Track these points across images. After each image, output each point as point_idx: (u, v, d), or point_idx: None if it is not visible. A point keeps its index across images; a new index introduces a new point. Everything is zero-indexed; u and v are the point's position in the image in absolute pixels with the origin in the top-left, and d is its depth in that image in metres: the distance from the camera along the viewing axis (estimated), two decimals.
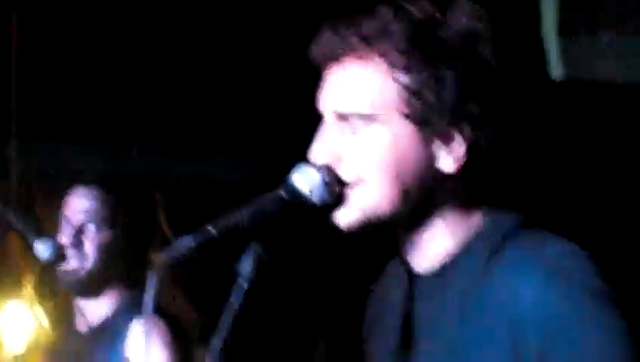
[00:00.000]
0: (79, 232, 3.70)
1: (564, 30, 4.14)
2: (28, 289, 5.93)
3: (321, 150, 2.05)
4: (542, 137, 4.47)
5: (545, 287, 1.90)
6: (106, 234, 3.70)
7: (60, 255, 3.72)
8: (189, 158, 5.54)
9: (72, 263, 3.73)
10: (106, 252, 3.72)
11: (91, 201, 3.72)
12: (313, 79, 2.14)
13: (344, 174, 2.04)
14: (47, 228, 5.02)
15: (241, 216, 1.88)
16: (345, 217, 2.05)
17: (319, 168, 2.02)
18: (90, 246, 3.71)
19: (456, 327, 1.97)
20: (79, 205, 3.74)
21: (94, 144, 5.34)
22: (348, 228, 2.04)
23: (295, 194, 1.95)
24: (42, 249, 3.65)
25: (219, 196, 5.39)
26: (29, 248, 3.73)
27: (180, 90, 5.06)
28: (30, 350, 6.07)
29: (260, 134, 5.01)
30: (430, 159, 2.02)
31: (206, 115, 5.23)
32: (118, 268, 3.76)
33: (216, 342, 1.81)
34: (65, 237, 3.74)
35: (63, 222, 3.77)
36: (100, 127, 5.25)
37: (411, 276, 2.10)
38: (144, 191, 3.96)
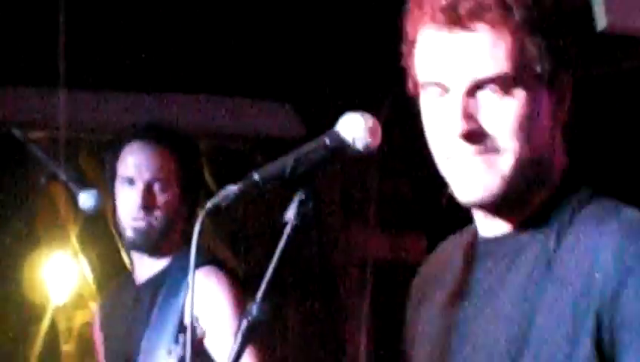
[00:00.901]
0: (147, 192, 3.66)
1: None
2: (72, 239, 6.00)
3: (465, 121, 2.02)
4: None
5: (620, 241, 1.90)
6: (171, 193, 3.68)
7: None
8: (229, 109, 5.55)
9: (140, 223, 3.69)
10: (171, 211, 3.70)
11: (154, 159, 3.67)
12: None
13: (490, 145, 2.02)
14: (90, 177, 5.07)
15: (285, 163, 1.88)
16: (477, 188, 2.02)
17: (364, 116, 2.01)
18: (158, 206, 3.68)
19: (529, 285, 1.97)
20: (143, 163, 3.68)
21: (137, 93, 5.35)
22: (472, 203, 2.02)
23: (339, 141, 1.94)
24: (86, 199, 3.65)
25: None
26: (73, 198, 3.73)
27: (229, 40, 5.03)
28: (75, 300, 6.15)
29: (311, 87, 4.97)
30: (553, 115, 2.03)
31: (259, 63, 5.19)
32: (179, 225, 3.75)
33: (262, 287, 1.82)
34: (133, 197, 3.68)
35: (124, 179, 3.70)
36: (142, 77, 5.25)
37: (477, 241, 2.09)
38: (197, 146, 3.93)
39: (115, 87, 5.34)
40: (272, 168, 1.90)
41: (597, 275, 1.92)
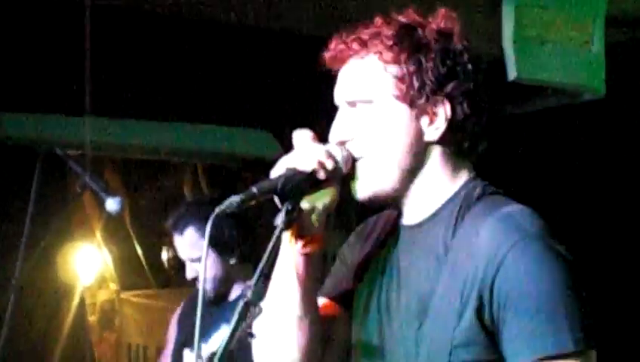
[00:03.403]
0: (191, 268, 3.67)
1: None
2: (97, 235, 5.98)
3: (337, 131, 2.03)
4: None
5: (495, 229, 1.88)
6: (210, 262, 3.66)
7: None
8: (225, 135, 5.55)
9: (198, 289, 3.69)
10: (216, 273, 3.68)
11: (190, 244, 3.65)
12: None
13: (354, 150, 2.02)
14: (112, 187, 5.03)
15: (277, 180, 1.86)
16: (358, 190, 2.01)
17: (339, 145, 1.99)
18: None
19: (431, 266, 1.96)
20: (182, 249, 3.66)
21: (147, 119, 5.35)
22: (362, 200, 2.01)
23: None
24: (112, 203, 3.62)
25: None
26: (101, 203, 3.69)
27: (225, 72, 5.00)
28: (98, 281, 6.14)
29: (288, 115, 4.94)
30: (419, 132, 1.96)
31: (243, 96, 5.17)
32: (230, 279, 3.74)
33: (256, 276, 1.79)
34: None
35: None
36: (153, 107, 5.23)
37: (399, 227, 2.08)
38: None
39: (131, 115, 5.31)
40: (266, 183, 1.87)
41: (477, 263, 1.88)
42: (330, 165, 1.93)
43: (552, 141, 5.31)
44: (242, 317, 1.81)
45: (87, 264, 5.88)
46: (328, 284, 2.17)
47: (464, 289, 1.89)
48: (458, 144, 2.03)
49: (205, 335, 3.43)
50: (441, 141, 2.01)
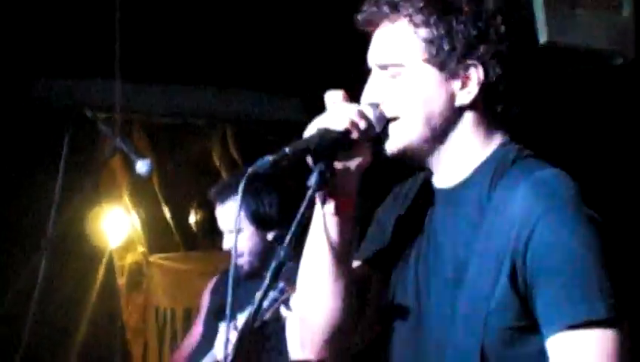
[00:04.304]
0: (229, 240, 3.67)
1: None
2: (125, 199, 6.00)
3: (369, 93, 2.04)
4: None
5: (529, 194, 1.88)
6: (247, 235, 3.63)
7: None
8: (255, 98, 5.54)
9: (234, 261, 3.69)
10: (252, 247, 3.67)
11: (229, 215, 3.64)
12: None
13: (387, 112, 2.02)
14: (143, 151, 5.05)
15: (310, 140, 1.87)
16: (389, 146, 2.01)
17: (372, 106, 2.00)
18: (241, 248, 3.66)
19: (466, 231, 1.96)
20: (222, 220, 3.67)
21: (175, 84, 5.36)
22: (392, 157, 2.02)
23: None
24: (141, 166, 3.64)
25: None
26: (131, 166, 3.71)
27: (250, 34, 4.99)
28: (126, 244, 6.16)
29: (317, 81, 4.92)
30: (450, 95, 1.98)
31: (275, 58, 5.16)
32: (263, 255, 3.73)
33: (288, 237, 1.80)
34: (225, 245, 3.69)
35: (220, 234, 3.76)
36: (184, 71, 5.24)
37: (434, 191, 2.09)
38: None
39: (161, 80, 5.31)
40: (299, 143, 1.88)
41: (511, 228, 1.89)
42: (362, 124, 1.94)
43: (582, 105, 5.27)
44: (275, 277, 1.82)
45: (115, 227, 5.91)
46: (365, 246, 2.19)
47: (498, 254, 1.90)
48: (491, 108, 2.04)
49: (239, 308, 3.47)
50: (473, 105, 2.02)
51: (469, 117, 2.03)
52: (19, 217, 5.04)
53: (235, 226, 3.62)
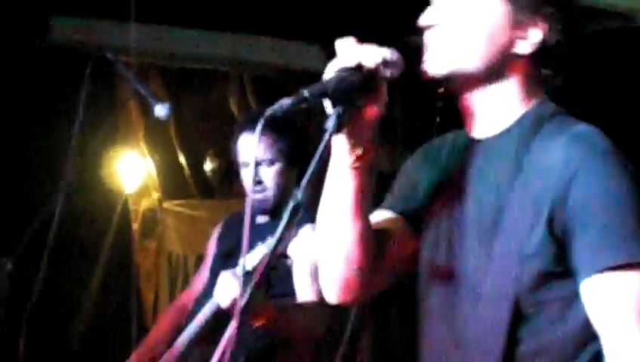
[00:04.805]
0: (256, 171, 3.65)
1: None
2: (141, 143, 6.02)
3: (428, 15, 2.04)
4: None
5: (567, 146, 1.91)
6: (277, 168, 3.60)
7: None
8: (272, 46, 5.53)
9: (257, 195, 3.66)
10: (280, 182, 3.63)
11: (260, 145, 3.61)
12: None
13: (448, 33, 2.03)
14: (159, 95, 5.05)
15: (328, 84, 1.87)
16: (436, 68, 2.02)
17: (391, 49, 2.00)
18: (268, 181, 3.63)
19: (503, 181, 1.98)
20: (251, 149, 3.64)
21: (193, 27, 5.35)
22: (434, 79, 2.02)
23: (370, 68, 1.94)
24: (160, 109, 3.65)
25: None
26: (148, 109, 3.72)
27: None
28: (141, 189, 6.19)
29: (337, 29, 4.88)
30: (512, 38, 2.01)
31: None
32: (290, 192, 3.70)
33: (305, 178, 1.82)
34: (248, 177, 3.65)
35: (242, 164, 3.66)
36: (203, 16, 5.23)
37: (469, 142, 2.10)
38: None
39: (179, 23, 5.31)
40: (317, 86, 1.88)
41: (550, 178, 1.93)
42: (378, 58, 1.93)
43: (607, 64, 5.26)
44: (290, 221, 1.83)
45: (131, 172, 5.94)
46: (393, 199, 2.21)
47: (536, 201, 1.93)
48: (539, 69, 2.06)
49: (248, 251, 3.48)
50: (526, 59, 2.05)
51: (519, 68, 2.06)
52: (36, 159, 5.08)
53: (258, 158, 3.61)
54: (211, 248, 3.94)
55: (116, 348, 5.47)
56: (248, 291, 1.77)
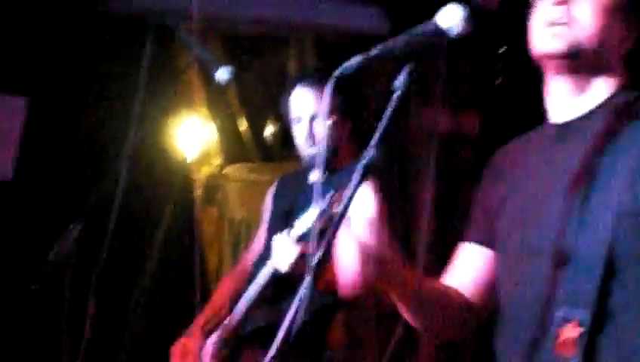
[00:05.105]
0: (310, 125, 3.65)
1: None
2: (202, 109, 6.05)
3: None
4: None
5: None
6: (331, 123, 3.62)
7: None
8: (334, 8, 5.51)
9: (311, 150, 3.66)
10: (334, 136, 3.63)
11: (313, 99, 3.58)
12: None
13: (581, 11, 2.07)
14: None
15: (397, 42, 1.87)
16: (560, 42, 2.07)
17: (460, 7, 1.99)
18: (321, 135, 3.64)
19: (591, 148, 2.01)
20: (304, 104, 3.64)
21: None
22: (556, 51, 2.06)
23: (438, 28, 1.93)
24: (223, 73, 3.66)
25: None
26: (209, 74, 3.73)
27: None
28: (202, 156, 6.23)
29: None
30: (626, 31, 2.13)
31: None
32: (343, 146, 3.68)
33: (376, 137, 1.82)
34: (302, 131, 3.65)
35: (295, 119, 3.68)
36: None
37: (545, 129, 2.15)
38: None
39: None
40: (386, 46, 1.89)
41: None
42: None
43: None
44: (362, 180, 1.84)
45: (192, 138, 5.98)
46: (473, 230, 2.33)
47: (631, 169, 1.99)
48: (626, 64, 2.17)
49: (303, 211, 3.51)
50: (626, 52, 2.17)
51: (616, 57, 2.16)
52: (101, 126, 5.13)
53: (314, 112, 3.62)
54: (267, 209, 3.97)
55: (180, 312, 5.54)
56: (318, 253, 1.78)
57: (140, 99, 3.72)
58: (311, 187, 3.69)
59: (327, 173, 3.63)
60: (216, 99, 5.98)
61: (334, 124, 3.63)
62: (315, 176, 3.73)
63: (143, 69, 3.71)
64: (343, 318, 3.68)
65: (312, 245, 1.82)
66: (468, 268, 2.29)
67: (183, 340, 3.88)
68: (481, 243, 2.28)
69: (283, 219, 3.72)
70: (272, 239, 3.60)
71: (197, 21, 4.16)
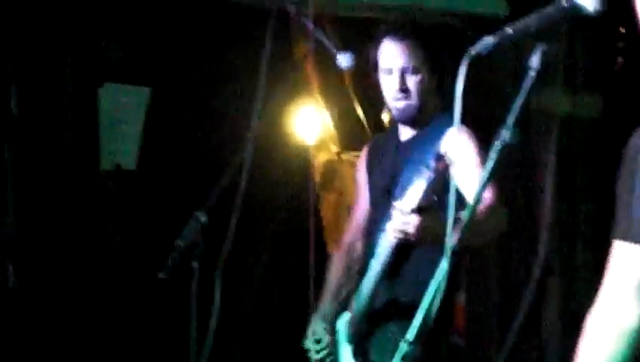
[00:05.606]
0: (401, 78, 3.65)
1: None
2: (318, 97, 6.08)
3: None
4: None
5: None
6: (421, 76, 3.57)
7: None
8: None
9: (400, 102, 3.67)
10: (424, 90, 3.61)
11: (405, 51, 3.58)
12: None
13: None
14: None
15: (531, 21, 1.86)
16: None
17: None
18: (412, 88, 3.64)
19: None
20: (396, 55, 3.61)
21: None
22: None
23: (574, 4, 1.90)
24: (343, 59, 3.69)
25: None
26: (324, 61, 3.76)
27: None
28: (319, 142, 6.26)
29: None
30: None
31: None
32: (431, 100, 3.68)
33: (511, 116, 1.81)
34: (392, 83, 3.66)
35: (384, 70, 3.65)
36: None
37: None
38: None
39: None
40: (520, 24, 1.88)
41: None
42: None
43: None
44: (500, 160, 1.83)
45: (309, 124, 6.02)
46: (625, 229, 2.09)
47: None
48: None
49: (403, 181, 3.50)
50: None
51: None
52: (224, 114, 5.21)
53: (405, 65, 3.62)
54: (361, 174, 3.96)
55: (295, 297, 5.60)
56: (459, 229, 1.79)
57: (261, 87, 3.76)
58: (405, 145, 3.70)
59: (417, 128, 3.68)
60: (331, 85, 6.01)
61: (423, 79, 3.63)
62: (406, 133, 3.72)
63: (263, 55, 3.75)
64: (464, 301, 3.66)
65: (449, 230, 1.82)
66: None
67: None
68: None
69: (381, 186, 3.73)
70: (376, 209, 3.64)
71: (312, 6, 4.19)
